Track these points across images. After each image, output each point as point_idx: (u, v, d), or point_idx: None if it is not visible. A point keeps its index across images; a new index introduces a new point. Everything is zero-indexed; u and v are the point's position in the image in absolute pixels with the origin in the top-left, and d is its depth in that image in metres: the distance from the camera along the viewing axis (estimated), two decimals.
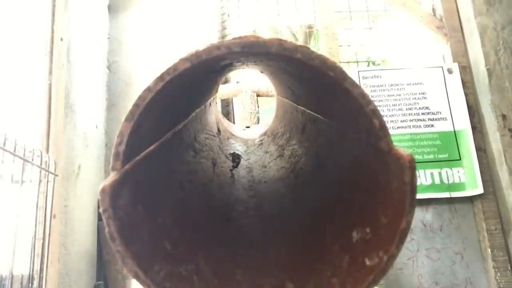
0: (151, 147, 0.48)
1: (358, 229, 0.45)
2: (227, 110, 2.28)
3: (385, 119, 0.40)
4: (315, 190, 0.63)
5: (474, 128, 2.28)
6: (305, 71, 0.47)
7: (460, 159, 2.24)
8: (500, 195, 2.17)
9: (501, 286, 2.08)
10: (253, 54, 0.46)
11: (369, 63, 3.54)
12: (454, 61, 2.42)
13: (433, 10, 2.61)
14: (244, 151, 0.98)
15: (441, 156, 2.25)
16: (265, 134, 1.08)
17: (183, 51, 0.43)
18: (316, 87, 0.55)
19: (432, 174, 2.21)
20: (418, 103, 2.34)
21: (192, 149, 0.70)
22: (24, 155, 1.31)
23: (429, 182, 2.20)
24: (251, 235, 0.60)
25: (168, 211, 0.50)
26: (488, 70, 2.25)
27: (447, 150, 2.26)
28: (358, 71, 2.41)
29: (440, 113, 2.32)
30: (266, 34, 3.60)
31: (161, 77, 0.41)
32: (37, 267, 1.39)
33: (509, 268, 2.12)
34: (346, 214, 0.51)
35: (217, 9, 2.41)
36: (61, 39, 1.73)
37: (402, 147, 0.40)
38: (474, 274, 2.15)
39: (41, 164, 1.42)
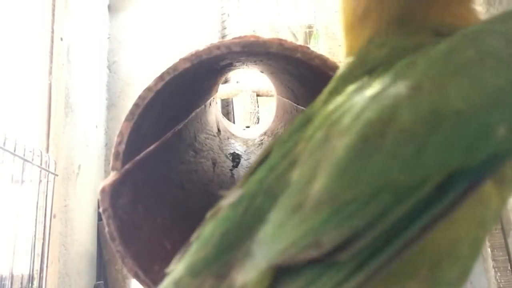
0: (151, 147, 0.48)
1: None
2: (227, 110, 2.28)
3: None
4: None
5: None
6: (305, 71, 0.47)
7: None
8: None
9: (501, 286, 2.08)
10: (253, 54, 0.46)
11: None
12: None
13: None
14: (244, 151, 0.98)
15: None
16: (265, 134, 1.08)
17: (183, 51, 0.43)
18: (316, 87, 0.55)
19: None
20: None
21: (192, 149, 0.70)
22: (24, 155, 1.31)
23: None
24: None
25: (168, 211, 0.50)
26: None
27: None
28: None
29: None
30: (266, 34, 3.60)
31: (161, 77, 0.41)
32: (37, 267, 1.39)
33: (509, 268, 2.12)
34: None
35: (217, 9, 2.41)
36: (61, 39, 1.73)
37: None
38: (474, 274, 2.15)
39: (41, 164, 1.42)
